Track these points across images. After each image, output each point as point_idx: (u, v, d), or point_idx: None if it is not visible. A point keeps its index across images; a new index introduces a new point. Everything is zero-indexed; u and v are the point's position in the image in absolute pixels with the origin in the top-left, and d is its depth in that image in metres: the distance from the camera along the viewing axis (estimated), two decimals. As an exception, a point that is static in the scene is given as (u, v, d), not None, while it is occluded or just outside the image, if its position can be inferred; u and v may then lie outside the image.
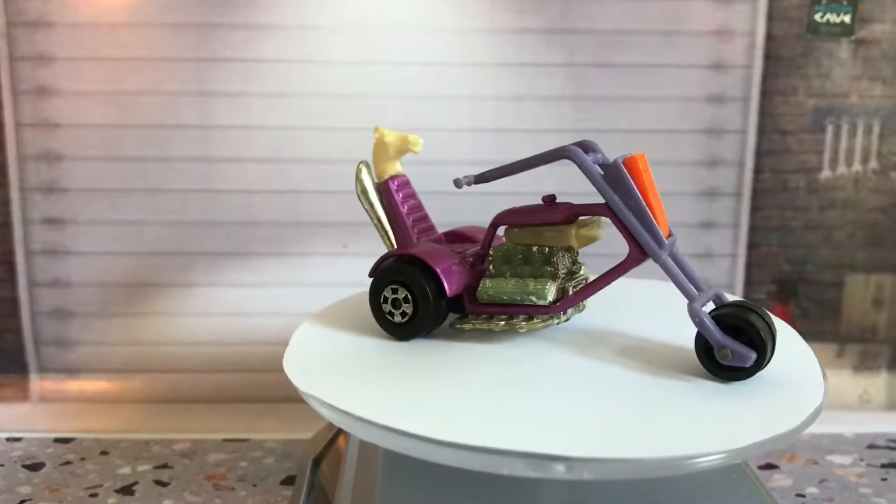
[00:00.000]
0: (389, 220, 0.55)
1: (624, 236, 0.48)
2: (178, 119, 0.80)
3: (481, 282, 0.51)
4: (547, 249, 0.51)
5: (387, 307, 0.52)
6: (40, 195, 0.81)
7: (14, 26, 0.78)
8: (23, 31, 0.78)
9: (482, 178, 0.51)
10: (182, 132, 0.80)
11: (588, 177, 0.48)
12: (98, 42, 0.79)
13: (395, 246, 0.55)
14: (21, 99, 0.79)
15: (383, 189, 0.55)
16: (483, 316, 0.51)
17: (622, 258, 0.48)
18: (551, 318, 0.50)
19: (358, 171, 0.55)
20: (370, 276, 0.53)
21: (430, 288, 0.51)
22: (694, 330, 0.46)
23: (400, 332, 0.52)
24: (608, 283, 0.49)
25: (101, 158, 0.80)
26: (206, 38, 0.79)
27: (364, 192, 0.55)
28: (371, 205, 0.55)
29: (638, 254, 0.48)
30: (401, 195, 0.55)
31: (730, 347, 0.45)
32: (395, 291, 0.51)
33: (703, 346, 0.46)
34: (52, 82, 0.79)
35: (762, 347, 0.45)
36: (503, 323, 0.51)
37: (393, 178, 0.55)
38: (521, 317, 0.51)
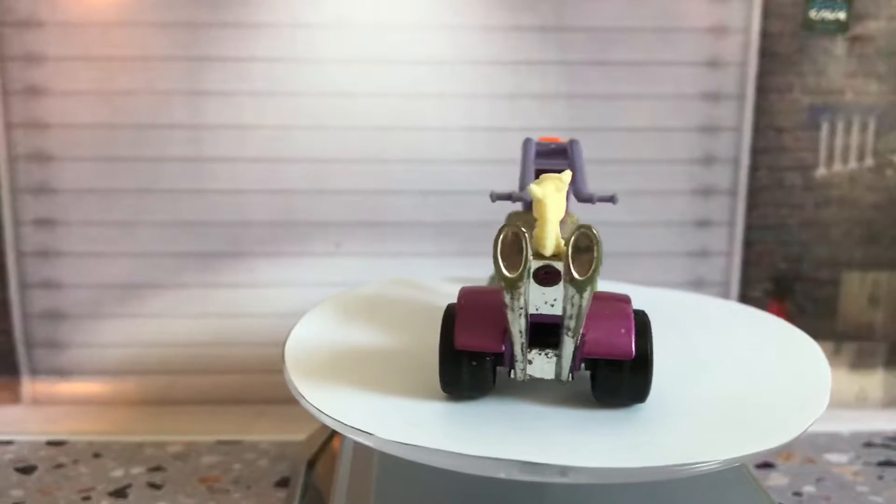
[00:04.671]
0: None
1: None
2: (170, 119, 0.79)
3: None
4: None
5: None
6: (31, 196, 0.80)
7: (3, 25, 0.78)
8: (12, 31, 0.78)
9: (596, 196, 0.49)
10: (174, 132, 0.80)
11: (580, 156, 0.53)
12: (89, 41, 0.78)
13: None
14: (11, 99, 0.79)
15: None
16: None
17: None
18: None
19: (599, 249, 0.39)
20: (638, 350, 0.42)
21: None
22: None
23: None
24: None
25: (92, 158, 0.80)
26: (197, 37, 0.78)
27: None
28: None
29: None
30: None
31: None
32: None
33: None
34: (43, 82, 0.79)
35: None
36: None
37: None
38: None
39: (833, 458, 0.73)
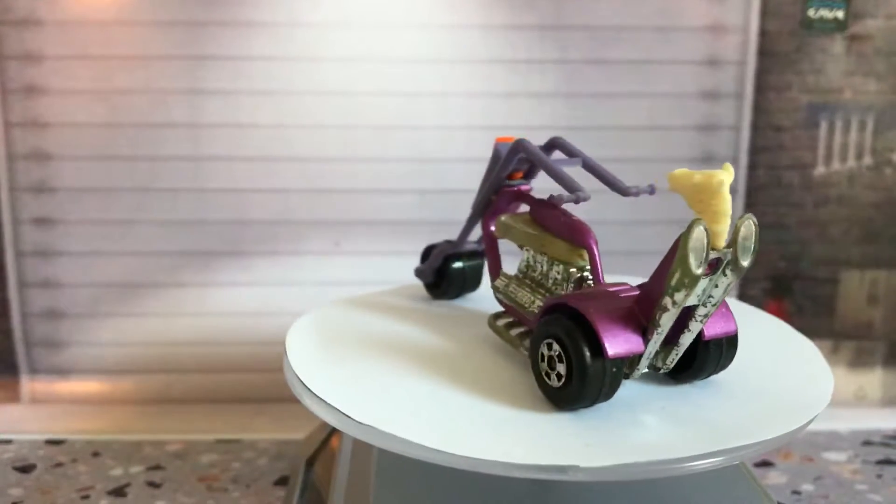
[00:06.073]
0: None
1: None
2: (169, 117, 0.79)
3: None
4: None
5: None
6: (30, 195, 0.80)
7: (2, 24, 0.78)
8: (11, 30, 0.78)
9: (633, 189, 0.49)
10: (172, 131, 0.80)
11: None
12: (87, 40, 0.78)
13: None
14: (10, 98, 0.79)
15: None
16: None
17: None
18: None
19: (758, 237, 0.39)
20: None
21: None
22: None
23: None
24: None
25: (90, 157, 0.80)
26: (195, 35, 0.78)
27: None
28: None
29: None
30: None
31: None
32: None
33: None
34: (41, 81, 0.78)
35: None
36: None
37: None
38: None
39: (832, 456, 0.73)
